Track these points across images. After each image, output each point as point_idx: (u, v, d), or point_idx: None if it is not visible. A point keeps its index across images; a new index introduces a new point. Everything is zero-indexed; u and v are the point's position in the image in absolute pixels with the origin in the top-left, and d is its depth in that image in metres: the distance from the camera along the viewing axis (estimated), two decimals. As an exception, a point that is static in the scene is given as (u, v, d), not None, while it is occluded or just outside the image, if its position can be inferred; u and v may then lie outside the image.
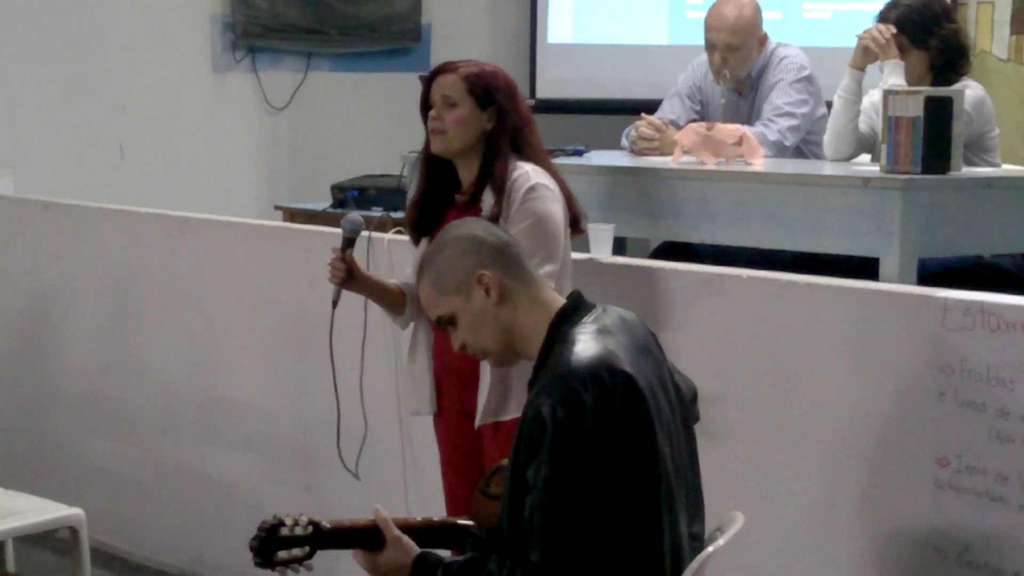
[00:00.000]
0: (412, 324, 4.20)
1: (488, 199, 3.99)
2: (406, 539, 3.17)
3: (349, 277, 4.08)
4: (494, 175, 3.97)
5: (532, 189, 3.94)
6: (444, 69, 4.06)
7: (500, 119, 4.00)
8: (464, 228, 3.29)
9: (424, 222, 4.11)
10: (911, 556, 3.74)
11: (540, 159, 4.06)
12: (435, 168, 4.10)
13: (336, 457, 4.96)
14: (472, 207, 3.99)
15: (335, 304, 4.16)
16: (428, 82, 4.07)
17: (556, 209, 3.96)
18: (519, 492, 3.04)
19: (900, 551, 3.77)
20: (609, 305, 3.28)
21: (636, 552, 3.04)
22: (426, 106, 4.06)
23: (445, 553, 3.27)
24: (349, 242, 4.10)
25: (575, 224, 4.08)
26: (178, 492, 5.73)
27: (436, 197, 4.10)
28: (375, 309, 4.46)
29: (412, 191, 4.19)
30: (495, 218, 3.92)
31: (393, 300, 4.18)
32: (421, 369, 4.15)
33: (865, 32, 5.11)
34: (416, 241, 4.16)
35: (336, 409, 4.50)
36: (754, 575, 4.02)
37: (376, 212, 6.38)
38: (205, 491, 5.63)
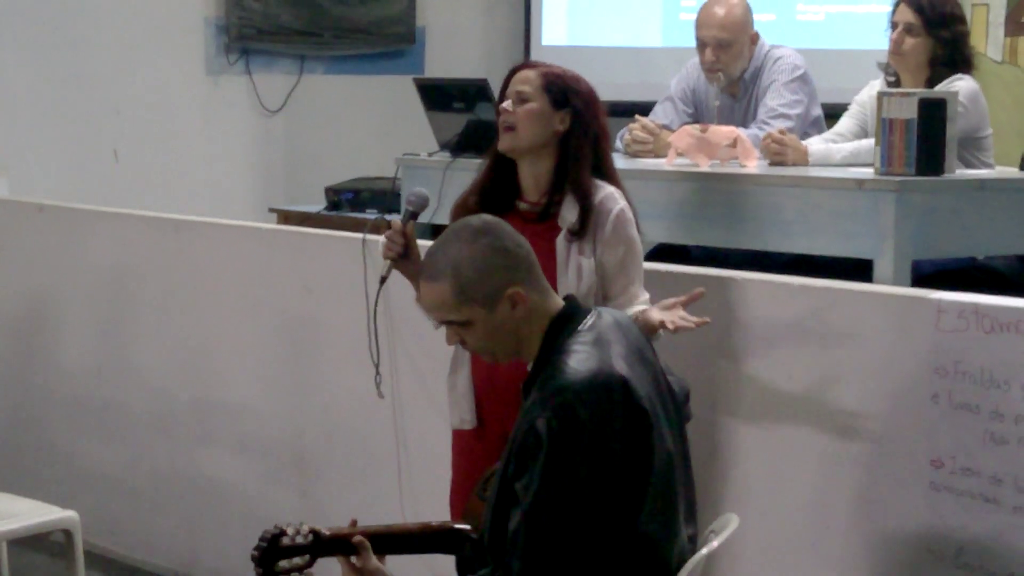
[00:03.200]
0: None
1: (568, 215, 3.81)
2: (385, 572, 3.16)
3: (404, 254, 3.87)
4: (579, 188, 3.80)
5: (622, 212, 3.81)
6: (524, 66, 3.91)
7: (576, 124, 3.83)
8: (490, 236, 3.18)
9: None
10: (906, 557, 3.74)
11: (613, 175, 3.92)
12: (498, 168, 3.91)
13: (331, 460, 4.97)
14: (547, 220, 3.82)
15: (383, 281, 3.98)
16: (506, 80, 3.91)
17: (636, 234, 3.86)
18: (506, 502, 3.04)
19: (895, 552, 3.77)
20: (603, 308, 3.28)
21: (638, 562, 3.04)
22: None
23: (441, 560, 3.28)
24: (412, 215, 3.91)
25: None
26: (173, 495, 5.73)
27: (493, 198, 3.88)
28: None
29: (471, 187, 3.97)
30: (577, 235, 3.77)
31: None
32: (463, 382, 3.95)
33: (766, 138, 5.11)
34: None
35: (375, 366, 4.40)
36: (749, 577, 4.02)
37: (370, 215, 6.37)
38: (200, 494, 5.62)
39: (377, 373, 4.39)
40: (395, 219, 3.93)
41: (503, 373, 3.73)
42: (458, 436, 3.98)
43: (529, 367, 3.19)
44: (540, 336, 3.16)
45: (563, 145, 3.83)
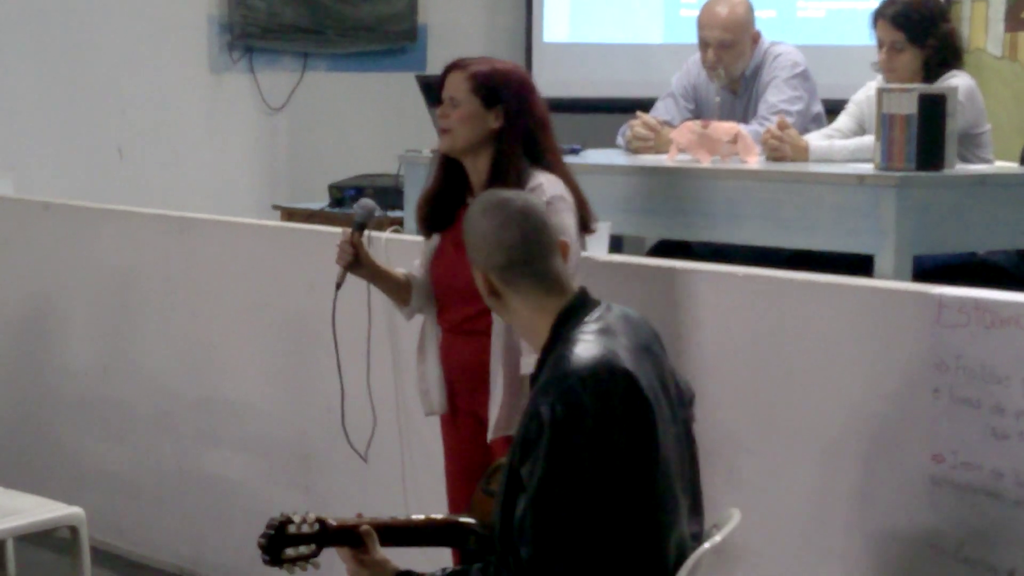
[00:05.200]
0: (420, 325, 4.16)
1: None
2: (390, 562, 3.18)
3: (356, 261, 4.05)
4: (507, 181, 3.87)
5: (548, 204, 3.82)
6: (454, 66, 4.01)
7: (509, 119, 3.94)
8: (493, 220, 3.24)
9: (435, 219, 4.09)
10: (907, 552, 3.75)
11: (554, 164, 4.00)
12: (449, 166, 4.05)
13: (335, 457, 4.97)
14: None
15: (339, 286, 4.11)
16: (441, 80, 4.03)
17: (570, 221, 3.90)
18: (514, 490, 3.05)
19: (896, 547, 3.78)
20: (613, 303, 3.29)
21: (639, 551, 3.05)
22: (440, 103, 4.01)
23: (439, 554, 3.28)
24: (360, 226, 4.07)
25: (585, 226, 4.04)
26: (177, 492, 5.74)
27: (448, 195, 4.06)
28: (377, 305, 4.48)
29: (426, 185, 4.16)
30: None
31: (399, 290, 4.12)
32: (431, 369, 4.10)
33: (765, 132, 5.13)
34: (427, 235, 4.12)
35: (340, 392, 4.43)
36: (750, 572, 4.03)
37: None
38: (204, 491, 5.63)
39: (341, 388, 4.44)
40: (368, 206, 4.08)
41: (468, 357, 3.92)
42: (440, 422, 4.14)
43: (537, 357, 3.21)
44: (548, 327, 3.18)
45: (498, 141, 3.94)
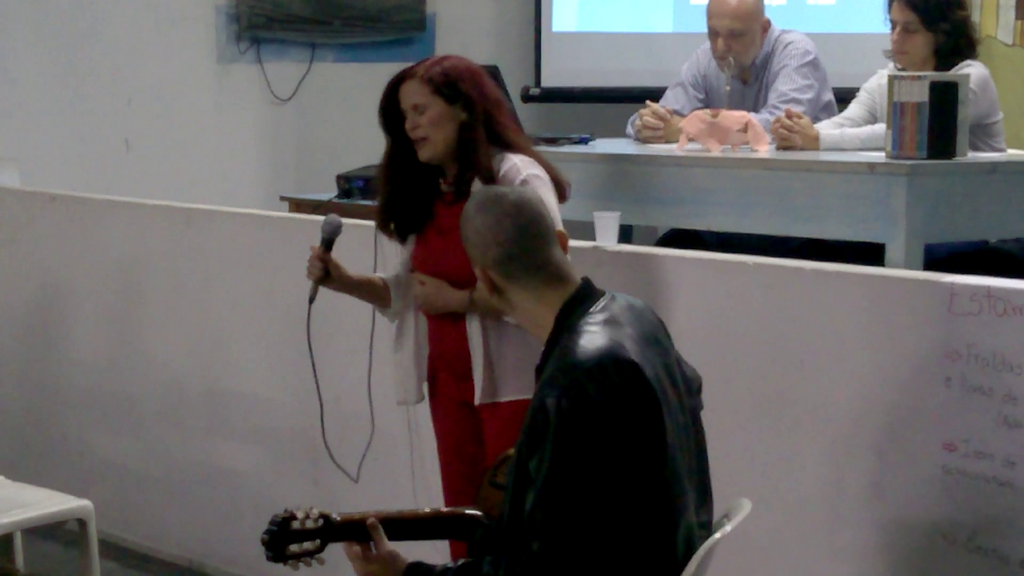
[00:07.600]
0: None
1: None
2: (400, 556, 3.17)
3: (327, 275, 4.08)
4: (479, 166, 3.93)
5: (525, 182, 3.89)
6: (405, 77, 4.02)
7: (470, 109, 3.96)
8: (488, 215, 3.24)
9: (410, 221, 4.11)
10: (918, 541, 3.74)
11: (516, 142, 4.03)
12: (404, 170, 4.06)
13: (344, 450, 4.96)
14: (461, 200, 3.87)
15: (312, 300, 4.14)
16: (391, 92, 4.04)
17: (550, 197, 3.92)
18: (522, 484, 3.04)
19: (907, 537, 3.77)
20: (618, 292, 3.28)
21: (647, 543, 3.04)
22: (388, 113, 4.03)
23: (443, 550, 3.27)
24: (327, 243, 4.10)
25: (561, 195, 4.07)
26: (185, 484, 5.74)
27: (417, 194, 4.07)
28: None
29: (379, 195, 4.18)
30: None
31: (379, 295, 4.18)
32: (406, 358, 4.17)
33: (775, 121, 5.12)
34: (403, 240, 4.15)
35: (320, 406, 4.39)
36: (761, 562, 4.02)
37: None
38: (212, 483, 5.63)
39: (320, 404, 4.44)
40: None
41: (455, 342, 3.97)
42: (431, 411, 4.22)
43: (542, 347, 3.20)
44: (552, 319, 3.17)
45: (462, 131, 3.96)
